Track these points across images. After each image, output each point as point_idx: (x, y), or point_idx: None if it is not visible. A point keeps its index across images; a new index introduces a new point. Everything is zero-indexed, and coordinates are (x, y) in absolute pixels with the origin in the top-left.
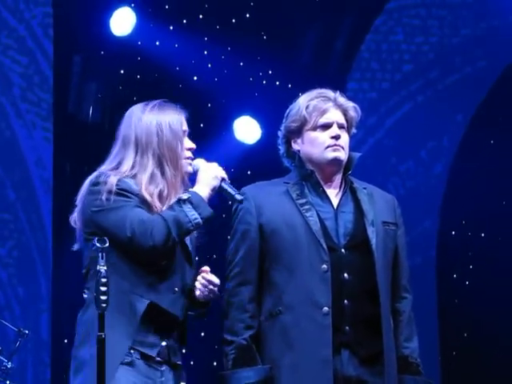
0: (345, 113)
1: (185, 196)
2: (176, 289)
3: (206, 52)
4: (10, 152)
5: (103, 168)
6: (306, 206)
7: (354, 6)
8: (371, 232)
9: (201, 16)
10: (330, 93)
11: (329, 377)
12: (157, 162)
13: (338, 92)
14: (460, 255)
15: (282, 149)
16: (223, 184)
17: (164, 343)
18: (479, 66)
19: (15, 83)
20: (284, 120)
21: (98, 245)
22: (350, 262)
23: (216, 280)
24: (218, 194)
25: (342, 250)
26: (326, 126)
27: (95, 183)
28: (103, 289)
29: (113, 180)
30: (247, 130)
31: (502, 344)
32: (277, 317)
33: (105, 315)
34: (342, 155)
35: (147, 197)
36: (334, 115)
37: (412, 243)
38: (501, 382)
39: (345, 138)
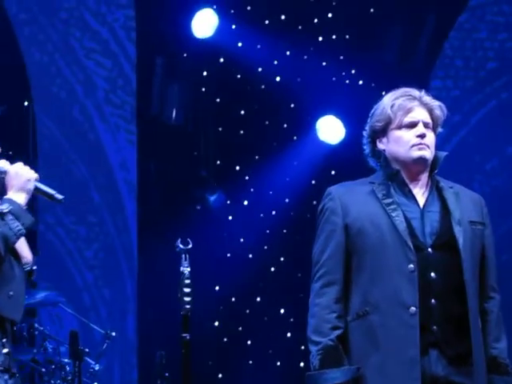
0: (430, 112)
1: (5, 207)
2: (11, 293)
3: (288, 52)
4: (94, 155)
5: None
6: (392, 206)
7: (437, 3)
8: (458, 231)
9: (283, 16)
10: (415, 91)
11: (416, 377)
12: None
13: (424, 91)
14: None
15: (367, 148)
16: (39, 185)
17: (5, 350)
18: None
19: (99, 86)
20: (369, 119)
21: (181, 246)
22: (437, 262)
23: None
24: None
25: (429, 250)
26: (412, 125)
27: None
28: (187, 290)
29: None
30: (331, 129)
31: None
32: (364, 317)
33: None
34: (428, 154)
35: None
36: (420, 114)
37: (497, 242)
38: None
39: (430, 137)
